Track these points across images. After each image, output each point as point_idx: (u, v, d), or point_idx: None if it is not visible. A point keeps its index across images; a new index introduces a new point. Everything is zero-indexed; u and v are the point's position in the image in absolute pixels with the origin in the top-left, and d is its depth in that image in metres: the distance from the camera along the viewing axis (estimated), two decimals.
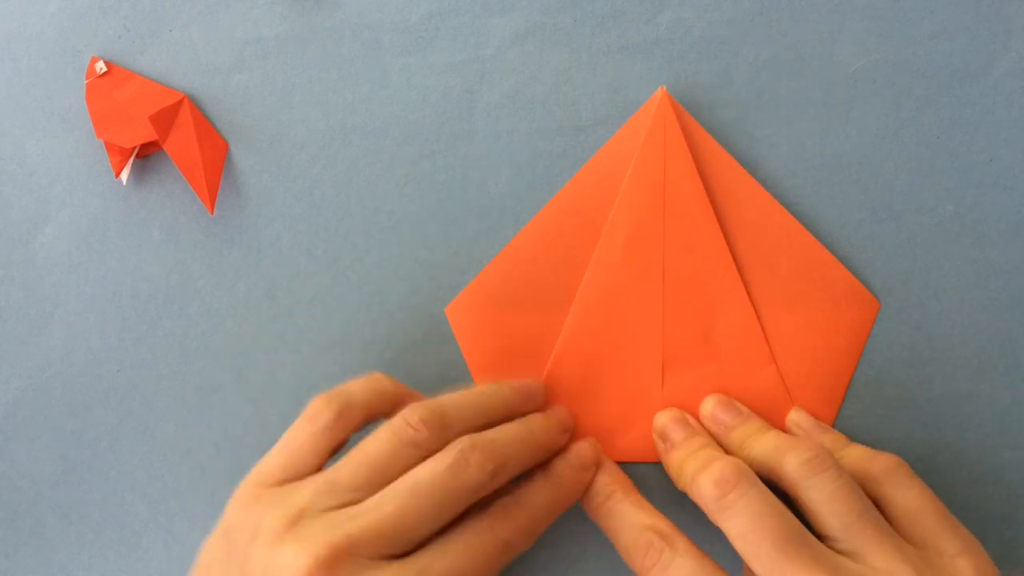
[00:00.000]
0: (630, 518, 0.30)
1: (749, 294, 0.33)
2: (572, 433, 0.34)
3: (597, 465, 0.33)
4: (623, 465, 0.34)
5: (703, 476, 0.28)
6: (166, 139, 0.34)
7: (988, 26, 0.33)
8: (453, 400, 0.31)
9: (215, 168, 0.35)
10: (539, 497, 0.31)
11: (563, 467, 0.32)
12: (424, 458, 0.29)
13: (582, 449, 0.33)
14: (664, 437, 0.33)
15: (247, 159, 0.35)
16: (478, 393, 0.32)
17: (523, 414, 0.33)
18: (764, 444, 0.30)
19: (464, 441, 0.29)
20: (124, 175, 0.35)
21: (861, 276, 0.33)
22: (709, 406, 0.33)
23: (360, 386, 0.31)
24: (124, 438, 0.36)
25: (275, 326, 0.35)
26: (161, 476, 0.36)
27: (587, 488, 0.32)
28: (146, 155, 0.35)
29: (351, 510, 0.28)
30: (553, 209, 0.34)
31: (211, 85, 0.35)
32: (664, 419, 0.33)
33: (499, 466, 0.29)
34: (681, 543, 0.28)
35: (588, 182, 0.34)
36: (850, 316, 0.33)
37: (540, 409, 0.33)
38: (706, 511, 0.28)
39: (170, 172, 0.35)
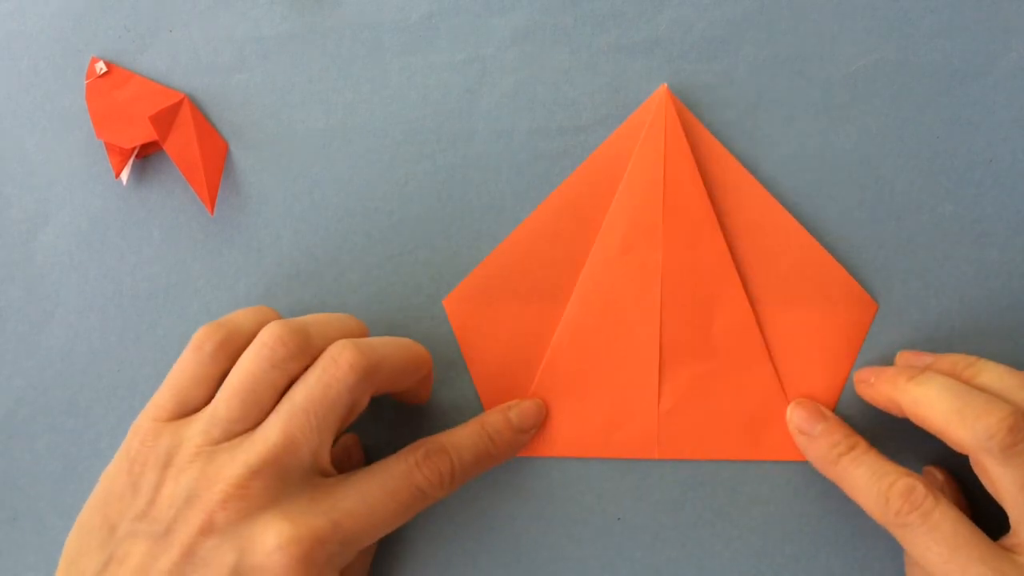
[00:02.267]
0: (883, 467, 0.29)
1: (747, 292, 0.33)
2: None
3: (537, 428, 0.33)
4: (618, 463, 0.34)
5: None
6: (166, 139, 0.34)
7: (988, 26, 0.33)
8: (314, 318, 0.31)
9: (215, 168, 0.35)
10: (468, 451, 0.31)
11: (502, 424, 0.32)
12: (292, 372, 0.29)
13: (527, 409, 0.33)
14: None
15: (247, 159, 0.35)
16: (337, 316, 0.32)
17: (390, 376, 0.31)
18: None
19: (334, 348, 0.29)
20: (124, 175, 0.35)
21: (860, 276, 0.33)
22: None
23: (244, 314, 0.31)
24: (124, 438, 0.36)
25: None
26: None
27: (520, 449, 0.33)
28: (146, 155, 0.35)
29: (237, 443, 0.28)
30: (552, 203, 0.34)
31: (211, 85, 0.35)
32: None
33: (372, 365, 0.29)
34: (942, 496, 0.28)
35: (588, 178, 0.34)
36: (847, 317, 0.33)
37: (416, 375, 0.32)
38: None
39: (170, 172, 0.35)
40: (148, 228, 0.36)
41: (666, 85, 0.33)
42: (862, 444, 0.31)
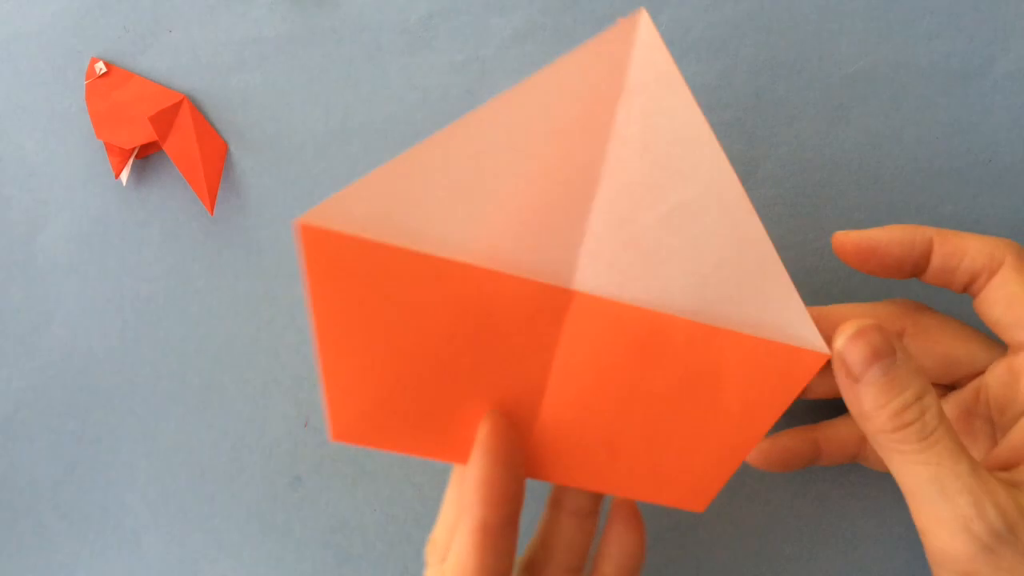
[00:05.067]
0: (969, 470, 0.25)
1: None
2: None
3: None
4: None
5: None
6: (166, 139, 0.34)
7: (988, 26, 0.33)
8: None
9: (215, 168, 0.35)
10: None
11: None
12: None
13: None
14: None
15: (247, 159, 0.35)
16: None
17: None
18: None
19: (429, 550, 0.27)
20: (124, 175, 0.35)
21: (860, 276, 0.33)
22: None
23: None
24: (124, 438, 0.36)
25: (275, 326, 0.35)
26: (161, 476, 0.36)
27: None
28: (146, 155, 0.35)
29: None
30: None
31: (211, 85, 0.35)
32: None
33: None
34: None
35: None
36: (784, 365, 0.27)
37: None
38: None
39: (170, 172, 0.35)
40: (148, 228, 0.36)
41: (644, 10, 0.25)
42: (939, 429, 0.25)
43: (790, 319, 0.26)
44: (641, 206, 0.25)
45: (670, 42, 0.34)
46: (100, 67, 0.35)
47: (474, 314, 0.25)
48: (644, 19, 0.25)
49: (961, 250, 0.28)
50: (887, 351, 0.25)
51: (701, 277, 0.26)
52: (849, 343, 0.25)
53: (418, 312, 0.25)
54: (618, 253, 0.25)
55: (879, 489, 0.33)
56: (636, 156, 0.25)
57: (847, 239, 0.28)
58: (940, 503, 0.24)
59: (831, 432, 0.31)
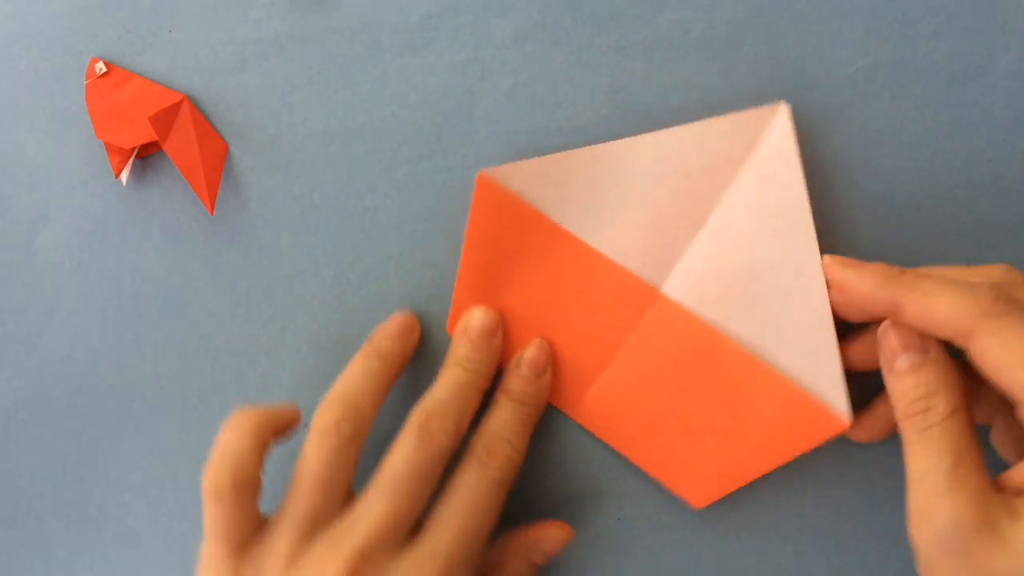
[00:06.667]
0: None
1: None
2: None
3: (550, 365, 0.33)
4: (619, 461, 0.34)
5: None
6: (166, 139, 0.34)
7: (988, 26, 0.33)
8: (346, 383, 0.31)
9: (215, 168, 0.35)
10: (513, 425, 0.32)
11: (522, 383, 0.32)
12: (359, 449, 0.30)
13: (532, 357, 0.33)
14: (844, 267, 0.30)
15: (247, 159, 0.35)
16: (358, 365, 0.32)
17: (405, 357, 0.33)
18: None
19: (418, 415, 0.30)
20: (124, 175, 0.35)
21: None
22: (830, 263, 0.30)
23: (234, 438, 0.30)
24: (124, 438, 0.36)
25: (275, 326, 0.35)
26: (161, 476, 0.36)
27: (547, 395, 0.33)
28: (146, 155, 0.35)
29: (343, 524, 0.28)
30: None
31: (211, 85, 0.35)
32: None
33: (458, 420, 0.30)
34: None
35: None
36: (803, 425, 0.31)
37: (409, 335, 0.33)
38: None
39: (170, 172, 0.35)
40: (148, 228, 0.36)
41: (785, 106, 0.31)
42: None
43: (828, 382, 0.30)
44: (735, 248, 0.31)
45: (670, 42, 0.34)
46: (100, 67, 0.35)
47: (578, 284, 0.33)
48: (783, 110, 0.31)
49: (929, 314, 0.27)
50: (919, 346, 0.28)
51: (764, 319, 0.31)
52: (890, 329, 0.28)
53: (538, 268, 0.33)
54: (705, 278, 0.32)
55: (880, 489, 0.33)
56: (743, 210, 0.31)
57: (828, 270, 0.30)
58: (912, 493, 0.26)
59: None
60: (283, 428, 0.31)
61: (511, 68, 0.34)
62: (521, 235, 0.33)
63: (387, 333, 0.33)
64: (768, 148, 0.31)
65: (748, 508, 0.34)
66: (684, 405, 0.32)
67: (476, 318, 0.33)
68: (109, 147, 0.35)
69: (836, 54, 0.33)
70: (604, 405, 0.33)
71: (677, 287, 0.32)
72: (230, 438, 0.30)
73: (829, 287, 0.30)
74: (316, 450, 0.29)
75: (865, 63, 0.33)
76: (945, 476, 0.25)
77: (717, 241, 0.32)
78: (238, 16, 0.35)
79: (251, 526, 0.30)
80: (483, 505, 0.30)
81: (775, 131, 0.31)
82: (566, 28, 0.34)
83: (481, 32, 0.34)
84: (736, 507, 0.34)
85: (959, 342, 0.27)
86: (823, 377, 0.30)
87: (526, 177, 0.32)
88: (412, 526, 0.29)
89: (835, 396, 0.30)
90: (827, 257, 0.30)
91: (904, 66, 0.33)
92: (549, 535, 0.33)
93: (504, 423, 0.32)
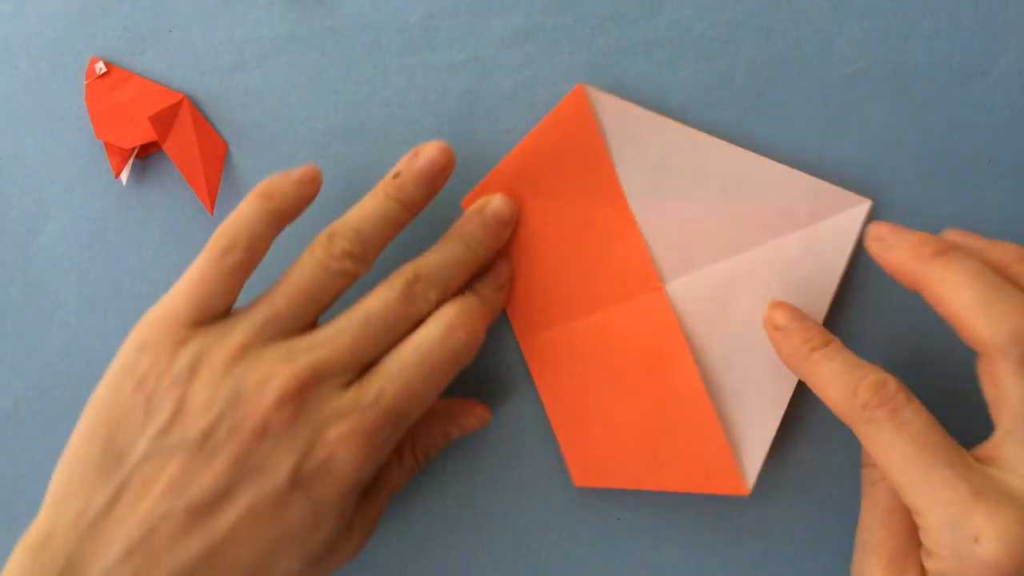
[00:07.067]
0: (857, 362, 0.27)
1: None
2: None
3: (515, 217, 0.33)
4: None
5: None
6: (166, 139, 0.34)
7: (988, 26, 0.33)
8: (362, 216, 0.31)
9: (215, 168, 0.35)
10: (489, 284, 0.32)
11: (481, 232, 0.32)
12: (350, 283, 0.30)
13: (497, 206, 0.32)
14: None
15: (247, 159, 0.35)
16: (377, 204, 0.31)
17: (428, 202, 0.32)
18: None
19: (408, 272, 0.30)
20: (124, 175, 0.35)
21: (860, 275, 0.33)
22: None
23: (254, 216, 0.30)
24: None
25: None
26: None
27: (501, 243, 0.33)
28: (146, 155, 0.35)
29: (304, 341, 0.28)
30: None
31: (211, 85, 0.35)
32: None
33: (442, 292, 0.30)
34: (916, 397, 0.26)
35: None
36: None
37: (440, 181, 0.32)
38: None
39: (170, 172, 0.35)
40: (148, 228, 0.36)
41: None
42: (836, 342, 0.28)
43: (753, 449, 0.32)
44: (747, 291, 0.32)
45: (670, 42, 0.34)
46: (100, 67, 0.35)
47: (599, 236, 0.33)
48: (865, 207, 0.32)
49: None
50: (799, 315, 0.30)
51: (734, 364, 0.32)
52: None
53: (573, 200, 0.33)
54: (707, 298, 0.32)
55: None
56: (776, 265, 0.32)
57: (872, 229, 0.29)
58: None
59: None
60: (305, 201, 0.31)
61: (511, 68, 0.34)
62: (578, 163, 0.33)
63: (415, 175, 0.31)
64: (832, 227, 0.32)
65: (748, 509, 0.34)
66: (621, 390, 0.33)
67: (496, 202, 0.33)
68: (109, 147, 0.35)
69: (836, 54, 0.33)
70: (554, 351, 0.34)
71: (679, 291, 0.33)
72: (252, 208, 0.30)
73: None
74: (312, 265, 0.29)
75: (865, 63, 0.33)
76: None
77: (737, 276, 0.32)
78: (238, 16, 0.35)
79: (224, 302, 0.29)
80: (435, 370, 0.29)
81: (847, 217, 0.32)
82: (566, 28, 0.34)
83: (481, 32, 0.34)
84: (736, 508, 0.34)
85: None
86: (752, 443, 0.32)
87: (618, 116, 0.32)
88: (362, 369, 0.29)
89: (750, 464, 0.32)
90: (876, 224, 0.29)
91: (904, 66, 0.33)
92: (472, 412, 0.33)
93: (481, 282, 0.32)
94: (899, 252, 0.28)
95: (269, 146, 0.35)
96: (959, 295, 0.25)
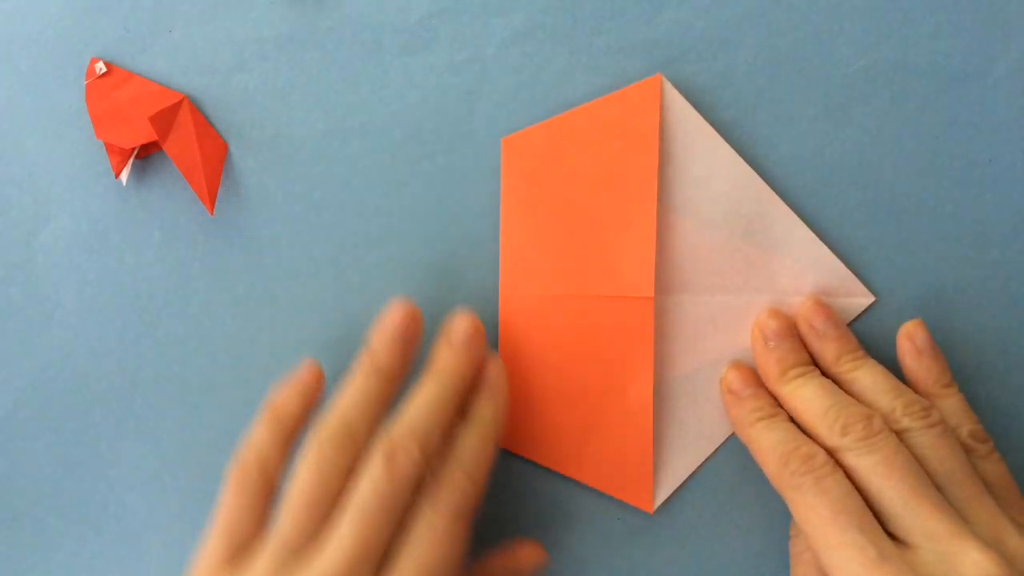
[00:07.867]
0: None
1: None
2: (480, 337, 0.33)
3: (481, 331, 0.32)
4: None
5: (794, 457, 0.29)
6: (166, 139, 0.34)
7: (988, 26, 0.33)
8: (345, 405, 0.31)
9: (215, 168, 0.35)
10: (476, 443, 0.31)
11: (446, 360, 0.32)
12: (348, 469, 0.29)
13: (460, 330, 0.32)
14: (732, 390, 0.32)
15: (247, 159, 0.35)
16: (357, 387, 0.31)
17: (406, 367, 0.32)
18: (868, 375, 0.31)
19: (383, 443, 0.29)
20: (124, 175, 0.35)
21: (861, 276, 0.33)
22: (809, 305, 0.32)
23: (265, 435, 0.31)
24: (124, 438, 0.36)
25: (275, 326, 0.35)
26: (161, 476, 0.36)
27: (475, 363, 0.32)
28: (146, 155, 0.35)
29: (314, 557, 0.28)
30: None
31: (211, 85, 0.35)
32: (735, 374, 0.33)
33: (424, 443, 0.29)
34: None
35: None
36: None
37: (412, 341, 0.32)
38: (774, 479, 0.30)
39: (170, 172, 0.35)
40: (148, 228, 0.36)
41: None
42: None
43: (671, 474, 0.34)
44: (728, 339, 0.34)
45: (670, 42, 0.34)
46: (100, 67, 0.35)
47: (618, 229, 0.33)
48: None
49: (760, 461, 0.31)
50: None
51: (688, 396, 0.34)
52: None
53: (612, 177, 0.33)
54: (690, 326, 0.34)
55: None
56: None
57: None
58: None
59: None
60: (311, 410, 0.32)
61: (511, 68, 0.34)
62: (627, 147, 0.33)
63: (385, 342, 0.32)
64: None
65: (748, 509, 0.34)
66: (575, 376, 0.34)
67: (458, 324, 0.32)
68: (109, 147, 0.35)
69: (836, 54, 0.33)
70: (528, 314, 0.34)
71: (667, 306, 0.34)
72: (262, 434, 0.31)
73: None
74: (308, 471, 0.29)
75: (865, 63, 0.33)
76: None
77: (725, 314, 0.33)
78: (238, 16, 0.35)
79: (255, 526, 0.30)
80: (448, 542, 0.29)
81: (846, 304, 0.33)
82: (566, 28, 0.34)
83: (481, 32, 0.34)
84: (736, 508, 0.34)
85: None
86: (673, 469, 0.34)
87: (681, 119, 0.33)
88: (382, 553, 0.28)
89: (664, 487, 0.34)
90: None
91: (904, 66, 0.33)
92: (524, 559, 0.33)
93: (465, 440, 0.31)
94: (738, 411, 0.32)
95: (269, 146, 0.35)
96: (810, 408, 0.30)
